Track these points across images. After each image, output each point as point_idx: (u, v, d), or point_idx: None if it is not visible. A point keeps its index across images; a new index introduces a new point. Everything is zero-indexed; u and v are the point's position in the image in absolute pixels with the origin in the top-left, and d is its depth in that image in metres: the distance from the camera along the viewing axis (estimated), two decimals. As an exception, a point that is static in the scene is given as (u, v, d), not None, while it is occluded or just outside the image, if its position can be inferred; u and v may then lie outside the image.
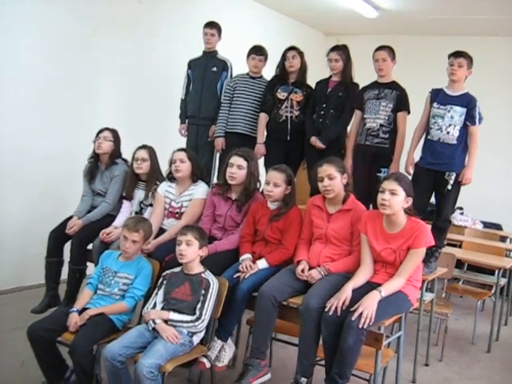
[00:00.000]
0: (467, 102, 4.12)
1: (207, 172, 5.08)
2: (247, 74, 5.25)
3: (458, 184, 4.15)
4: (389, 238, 3.29)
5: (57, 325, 3.21)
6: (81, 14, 5.36)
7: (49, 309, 4.23)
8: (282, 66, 5.01)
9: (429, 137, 4.24)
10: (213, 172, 5.29)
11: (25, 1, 4.92)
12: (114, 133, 4.46)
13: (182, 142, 5.32)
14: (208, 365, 3.36)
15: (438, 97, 4.23)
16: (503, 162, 7.71)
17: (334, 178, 3.49)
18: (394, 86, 4.56)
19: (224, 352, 3.54)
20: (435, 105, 4.21)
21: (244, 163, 3.88)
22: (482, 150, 7.43)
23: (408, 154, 4.40)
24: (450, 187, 4.11)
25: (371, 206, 4.50)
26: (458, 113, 4.12)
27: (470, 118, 4.10)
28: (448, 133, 4.13)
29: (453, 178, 4.11)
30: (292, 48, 5.00)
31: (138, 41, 5.96)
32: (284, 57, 4.98)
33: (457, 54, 4.17)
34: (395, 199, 3.22)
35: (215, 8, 6.54)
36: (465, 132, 4.14)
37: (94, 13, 5.47)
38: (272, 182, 3.72)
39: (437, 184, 4.16)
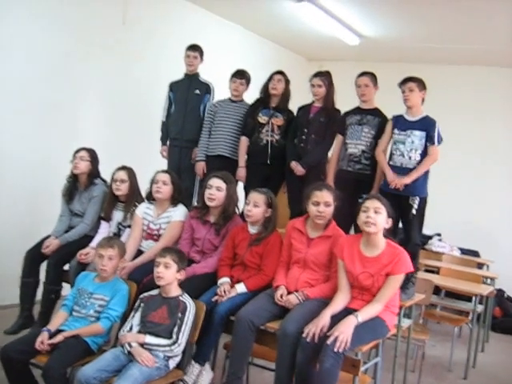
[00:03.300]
0: (426, 125, 4.18)
1: (189, 195, 5.06)
2: (229, 98, 5.27)
3: (422, 207, 4.18)
4: (366, 262, 3.30)
5: (30, 346, 3.14)
6: (65, 32, 5.37)
7: (22, 330, 4.15)
8: (265, 89, 5.03)
9: (391, 162, 4.27)
10: (194, 195, 5.27)
11: (11, 18, 4.93)
12: (91, 152, 4.42)
13: (163, 164, 5.30)
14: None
15: (398, 123, 4.29)
16: (482, 190, 7.79)
17: (329, 206, 3.52)
18: (376, 112, 4.60)
19: (202, 377, 3.50)
20: (396, 131, 4.28)
21: (223, 185, 3.88)
22: (460, 177, 7.69)
23: (387, 174, 4.28)
24: (414, 212, 4.15)
25: (353, 231, 4.51)
26: (417, 137, 4.17)
27: (429, 138, 4.15)
28: (410, 158, 4.18)
29: (416, 202, 4.14)
30: (280, 72, 5.03)
31: (121, 61, 5.97)
32: (269, 79, 5.01)
33: (405, 81, 4.25)
34: (379, 217, 3.26)
35: (198, 31, 6.58)
36: (426, 156, 4.18)
37: (78, 32, 5.48)
38: (252, 202, 3.73)
39: (402, 209, 4.12)
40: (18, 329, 4.17)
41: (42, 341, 3.15)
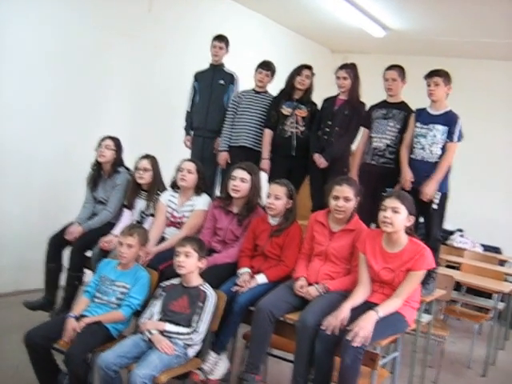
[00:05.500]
0: (448, 120, 4.12)
1: (210, 185, 5.08)
2: (253, 89, 5.25)
3: (443, 202, 4.14)
4: (388, 258, 3.28)
5: (53, 332, 3.19)
6: (91, 20, 5.41)
7: (41, 310, 4.24)
8: (291, 81, 4.97)
9: (412, 156, 4.24)
10: (215, 185, 5.28)
11: (35, 6, 4.96)
12: (116, 141, 4.45)
13: (186, 153, 5.32)
14: (201, 377, 3.35)
15: (421, 116, 4.24)
16: (504, 186, 7.71)
17: (350, 201, 3.49)
18: (402, 106, 4.54)
19: (218, 366, 3.52)
20: (418, 124, 4.22)
21: (247, 176, 3.88)
22: (483, 173, 7.61)
23: (403, 172, 4.31)
24: (435, 206, 4.10)
25: (374, 225, 4.49)
26: (440, 131, 4.11)
27: (449, 134, 4.10)
28: (431, 151, 4.13)
29: (437, 197, 4.10)
30: (309, 67, 4.98)
31: (146, 50, 6.00)
32: (298, 72, 4.94)
33: (431, 74, 4.18)
34: (397, 217, 3.22)
35: (223, 21, 6.59)
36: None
37: (104, 20, 5.52)
38: (273, 195, 3.72)
39: (422, 204, 4.07)
40: (37, 306, 4.26)
41: (74, 327, 3.19)
